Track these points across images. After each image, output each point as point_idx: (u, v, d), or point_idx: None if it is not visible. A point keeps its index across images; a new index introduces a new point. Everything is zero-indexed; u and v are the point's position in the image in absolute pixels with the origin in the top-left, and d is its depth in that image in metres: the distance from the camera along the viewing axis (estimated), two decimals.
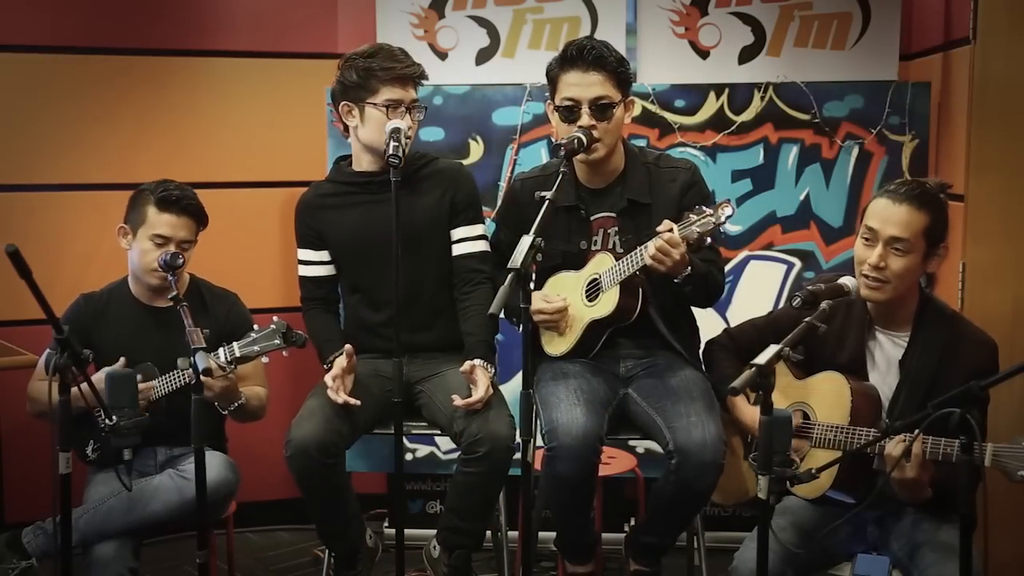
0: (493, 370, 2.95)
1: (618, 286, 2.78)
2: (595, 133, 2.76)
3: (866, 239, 2.51)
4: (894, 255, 2.46)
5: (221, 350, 2.80)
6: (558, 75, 2.84)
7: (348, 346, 2.93)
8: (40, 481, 2.50)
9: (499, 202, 3.70)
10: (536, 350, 3.00)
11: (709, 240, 2.62)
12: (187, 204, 3.00)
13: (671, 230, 2.59)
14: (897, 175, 3.63)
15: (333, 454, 2.83)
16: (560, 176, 2.61)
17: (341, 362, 2.90)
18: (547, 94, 2.92)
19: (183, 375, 2.88)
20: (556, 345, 2.97)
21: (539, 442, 2.74)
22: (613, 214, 2.89)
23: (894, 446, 2.32)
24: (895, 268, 2.47)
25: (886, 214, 2.47)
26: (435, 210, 3.04)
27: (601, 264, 2.85)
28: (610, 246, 2.89)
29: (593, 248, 2.91)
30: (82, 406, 2.52)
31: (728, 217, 2.54)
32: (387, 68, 2.93)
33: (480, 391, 2.82)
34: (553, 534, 3.06)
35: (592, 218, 2.91)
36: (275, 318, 2.86)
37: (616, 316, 2.81)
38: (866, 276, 2.49)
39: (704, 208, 2.58)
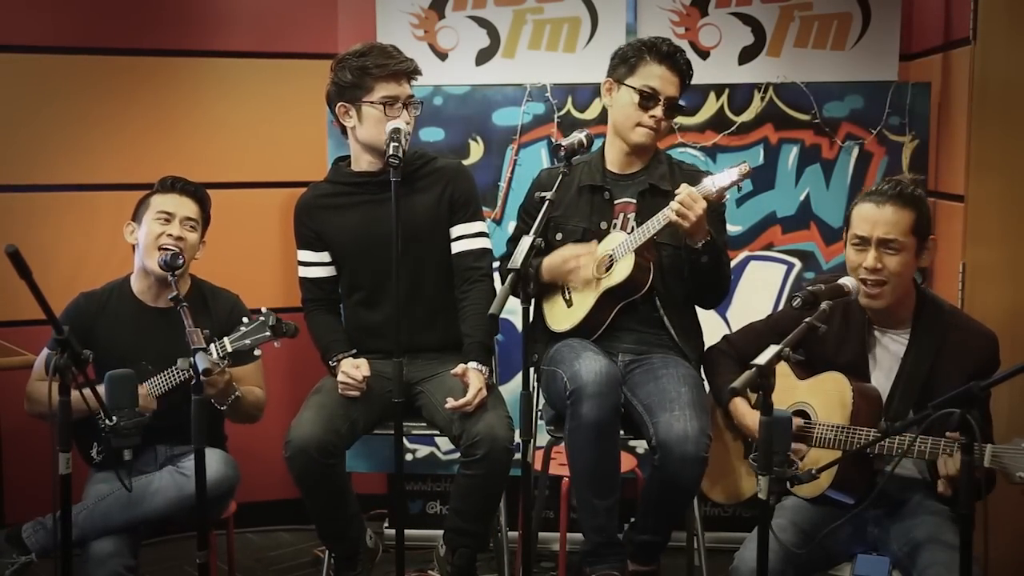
0: (488, 371, 2.95)
1: (632, 254, 2.84)
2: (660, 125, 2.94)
3: (856, 245, 2.53)
4: (888, 255, 2.49)
5: (212, 346, 2.80)
6: (640, 61, 2.93)
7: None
8: (40, 481, 2.49)
9: (499, 202, 3.72)
10: (540, 329, 3.06)
11: (727, 196, 2.79)
12: (186, 184, 3.09)
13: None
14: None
15: (333, 454, 2.83)
16: (560, 176, 2.64)
17: (352, 365, 2.93)
18: (612, 74, 2.99)
19: (180, 374, 2.88)
20: (562, 320, 2.99)
21: (539, 442, 2.73)
22: (633, 200, 2.96)
23: (950, 463, 2.31)
24: (891, 267, 2.49)
25: (873, 218, 2.51)
26: (435, 209, 3.04)
27: (613, 241, 2.93)
28: (628, 229, 2.94)
29: (612, 230, 2.97)
30: (84, 409, 2.52)
31: (744, 176, 2.67)
32: (381, 65, 2.93)
33: (471, 393, 2.83)
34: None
35: (615, 202, 2.98)
36: (263, 309, 2.86)
37: (628, 285, 2.86)
38: (864, 281, 2.50)
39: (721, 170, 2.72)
